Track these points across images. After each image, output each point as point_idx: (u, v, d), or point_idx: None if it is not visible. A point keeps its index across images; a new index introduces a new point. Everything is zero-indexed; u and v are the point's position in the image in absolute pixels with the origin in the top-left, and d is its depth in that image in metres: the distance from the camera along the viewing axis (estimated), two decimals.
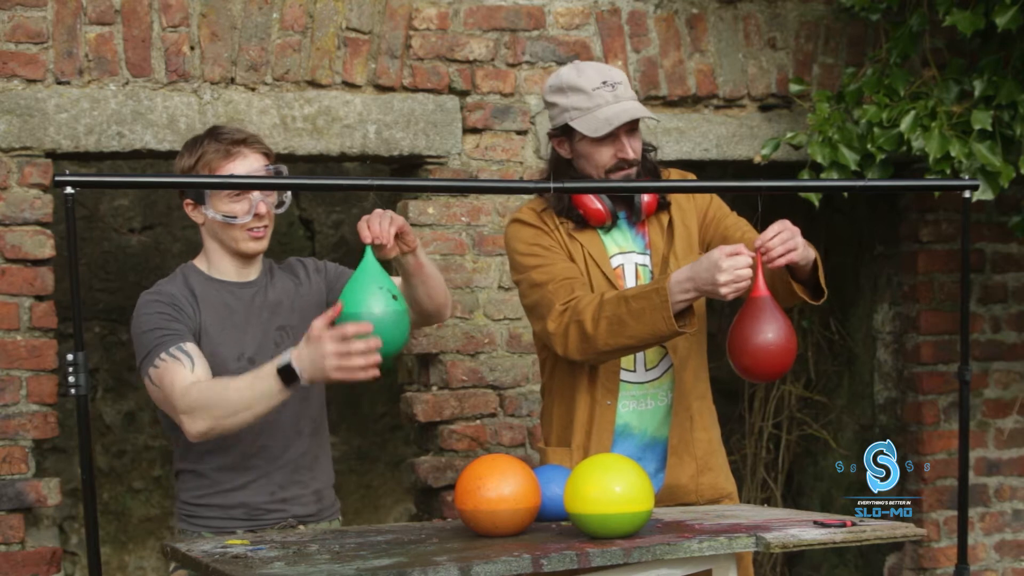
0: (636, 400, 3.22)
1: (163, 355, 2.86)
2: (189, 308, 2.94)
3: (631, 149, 3.15)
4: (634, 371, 3.22)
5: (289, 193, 3.02)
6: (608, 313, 3.02)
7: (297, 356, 2.68)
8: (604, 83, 3.14)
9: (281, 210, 3.02)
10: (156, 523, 5.46)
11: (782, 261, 2.93)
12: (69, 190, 2.45)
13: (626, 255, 3.25)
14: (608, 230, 3.24)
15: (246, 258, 3.02)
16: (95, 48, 3.78)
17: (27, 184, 3.73)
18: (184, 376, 2.82)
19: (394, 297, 2.72)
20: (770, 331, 2.87)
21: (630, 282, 3.23)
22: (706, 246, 3.26)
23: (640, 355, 3.20)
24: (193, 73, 3.87)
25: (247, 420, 2.77)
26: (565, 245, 3.20)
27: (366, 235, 2.78)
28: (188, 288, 2.98)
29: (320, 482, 3.08)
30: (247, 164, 2.96)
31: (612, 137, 3.14)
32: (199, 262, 3.06)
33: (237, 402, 2.76)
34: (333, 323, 2.66)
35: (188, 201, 2.99)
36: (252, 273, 3.04)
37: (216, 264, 3.02)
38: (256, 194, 2.94)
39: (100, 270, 5.34)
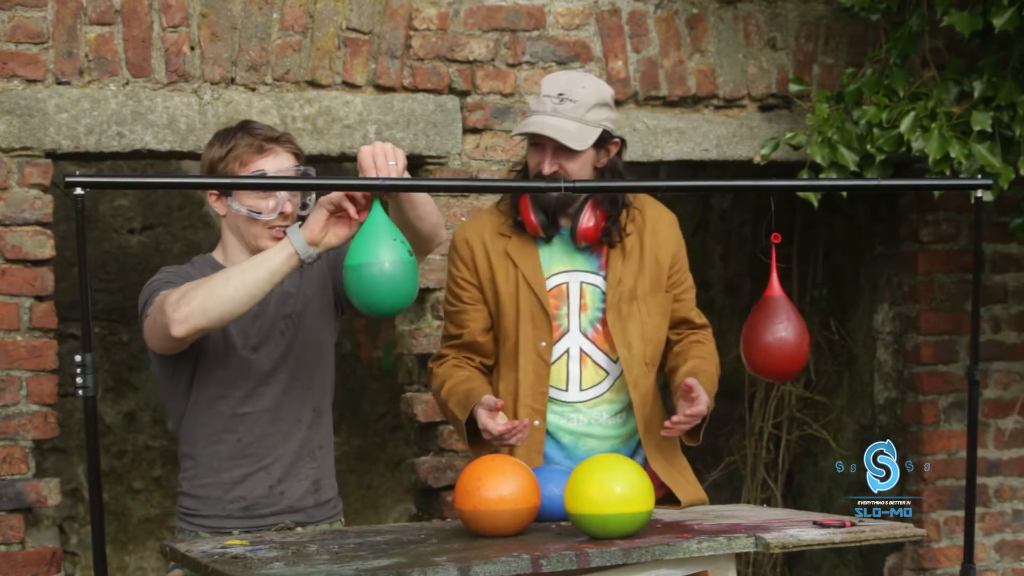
0: (563, 418, 3.22)
1: (161, 292, 2.85)
2: None
3: (549, 166, 3.15)
4: (566, 390, 3.23)
5: (314, 195, 2.98)
6: (439, 401, 3.28)
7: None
8: (559, 95, 3.16)
9: (305, 212, 2.99)
10: (156, 523, 5.47)
11: (665, 434, 3.13)
12: (79, 191, 2.43)
13: (571, 273, 3.25)
14: (548, 241, 3.25)
15: None
16: (95, 48, 3.78)
17: (27, 184, 3.73)
18: (177, 288, 2.81)
19: (409, 252, 2.66)
20: (782, 330, 2.87)
21: (574, 301, 3.23)
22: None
23: (575, 373, 3.22)
24: (193, 73, 3.87)
25: (236, 289, 2.72)
26: (489, 273, 3.24)
27: (371, 172, 2.74)
28: (202, 274, 2.97)
29: (319, 472, 3.06)
30: (278, 162, 2.95)
31: (540, 147, 3.17)
32: (216, 254, 3.06)
33: (230, 271, 2.75)
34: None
35: (213, 192, 2.99)
36: None
37: (233, 258, 3.01)
38: (284, 193, 2.93)
39: (100, 270, 5.34)
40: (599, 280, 3.24)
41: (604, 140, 3.20)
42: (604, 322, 3.22)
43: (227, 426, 2.97)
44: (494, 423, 3.04)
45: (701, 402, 3.04)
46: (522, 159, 3.36)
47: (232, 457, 2.97)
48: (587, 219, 3.20)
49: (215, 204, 3.00)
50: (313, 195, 2.99)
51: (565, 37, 4.27)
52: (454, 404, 3.18)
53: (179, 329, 2.73)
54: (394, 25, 4.08)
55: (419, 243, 2.94)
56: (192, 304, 2.72)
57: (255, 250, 2.96)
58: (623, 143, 3.29)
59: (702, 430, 3.16)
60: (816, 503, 5.31)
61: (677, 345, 3.31)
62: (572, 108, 3.14)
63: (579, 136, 3.14)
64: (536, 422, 3.19)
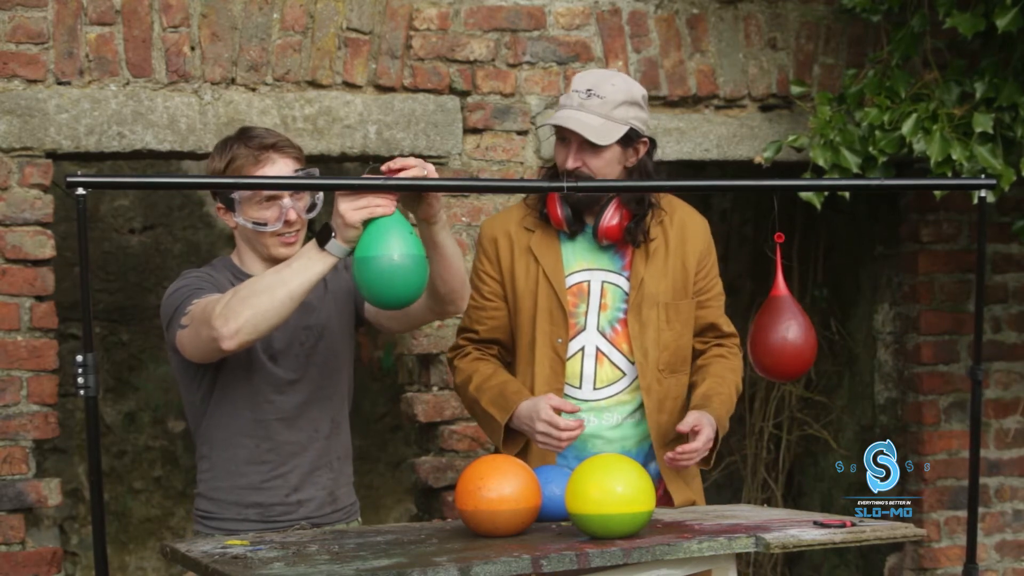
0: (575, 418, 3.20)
1: (193, 301, 2.83)
2: (229, 288, 2.91)
3: (573, 161, 3.14)
4: (579, 388, 3.21)
5: (321, 196, 2.96)
6: (467, 398, 3.25)
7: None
8: (588, 91, 3.15)
9: (313, 214, 2.98)
10: (156, 523, 5.47)
11: (679, 466, 3.11)
12: (81, 191, 2.42)
13: (593, 272, 3.23)
14: (572, 238, 3.24)
15: (278, 263, 2.94)
16: (96, 48, 3.78)
17: (28, 184, 3.73)
18: (218, 298, 2.78)
19: (420, 246, 2.65)
20: (789, 331, 2.87)
21: (594, 300, 3.21)
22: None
23: (589, 372, 3.20)
24: (194, 73, 3.87)
25: (283, 302, 2.70)
26: (511, 266, 3.23)
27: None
28: (224, 278, 2.97)
29: (336, 483, 3.05)
30: (277, 169, 2.91)
31: (565, 143, 3.17)
32: (234, 257, 3.05)
33: (272, 280, 2.71)
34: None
35: (219, 206, 2.97)
36: None
37: (249, 266, 3.01)
38: (286, 200, 2.90)
39: (100, 270, 5.35)
40: (622, 280, 3.22)
41: (631, 139, 3.17)
42: (624, 323, 3.20)
43: (245, 430, 2.95)
44: (562, 420, 3.03)
45: (700, 438, 3.06)
46: (552, 157, 3.35)
47: (249, 462, 2.96)
48: (610, 217, 3.17)
49: (224, 217, 2.99)
50: (320, 196, 2.97)
51: (565, 37, 4.27)
52: (487, 402, 3.16)
53: (230, 344, 2.72)
54: (394, 25, 4.08)
55: (433, 303, 2.96)
56: (240, 319, 2.70)
57: (268, 258, 2.96)
58: (652, 143, 3.25)
59: (713, 455, 3.16)
60: (816, 503, 5.31)
61: (701, 357, 3.30)
62: (599, 104, 3.13)
63: (603, 132, 3.12)
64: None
